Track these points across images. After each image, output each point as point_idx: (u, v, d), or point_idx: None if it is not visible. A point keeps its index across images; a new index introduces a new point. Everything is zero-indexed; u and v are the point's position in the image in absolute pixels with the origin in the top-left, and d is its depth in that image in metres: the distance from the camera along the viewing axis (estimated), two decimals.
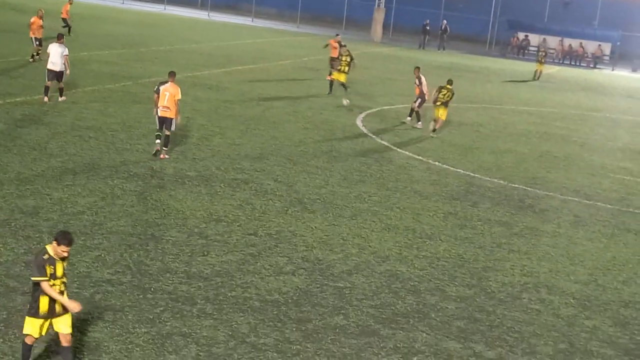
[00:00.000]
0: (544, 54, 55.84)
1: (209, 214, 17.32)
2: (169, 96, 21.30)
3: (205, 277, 13.94)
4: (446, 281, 15.19)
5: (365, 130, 28.49)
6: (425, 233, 17.88)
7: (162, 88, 21.51)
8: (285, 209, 18.39)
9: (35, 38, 35.32)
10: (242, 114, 28.81)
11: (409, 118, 31.12)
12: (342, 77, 34.39)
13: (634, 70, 68.63)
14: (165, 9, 76.81)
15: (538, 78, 53.15)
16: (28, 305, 10.13)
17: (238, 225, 16.85)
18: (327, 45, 41.47)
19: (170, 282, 13.62)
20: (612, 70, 68.24)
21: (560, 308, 14.53)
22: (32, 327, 10.05)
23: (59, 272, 9.91)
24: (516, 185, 23.16)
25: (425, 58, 60.64)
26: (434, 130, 29.17)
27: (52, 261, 9.87)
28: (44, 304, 9.91)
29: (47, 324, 10.09)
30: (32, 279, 9.89)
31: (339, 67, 34.69)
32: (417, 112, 30.69)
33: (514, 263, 16.60)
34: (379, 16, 73.15)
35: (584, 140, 32.16)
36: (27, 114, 24.66)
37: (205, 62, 40.69)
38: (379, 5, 73.06)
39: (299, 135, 26.49)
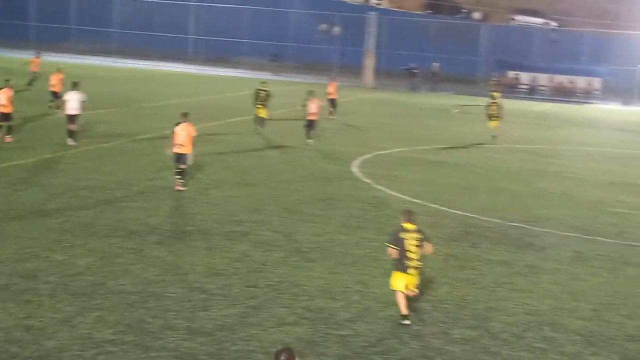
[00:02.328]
0: (496, 82, 62.84)
1: (208, 268, 17.28)
2: (184, 134, 23.99)
3: (207, 332, 13.87)
4: (450, 324, 15.13)
5: (361, 176, 28.54)
6: (426, 276, 17.81)
7: (177, 129, 24.11)
8: (285, 259, 18.36)
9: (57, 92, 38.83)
10: (237, 166, 28.89)
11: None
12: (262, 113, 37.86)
13: (625, 104, 68.99)
14: (156, 65, 77.26)
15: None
16: None
17: (238, 278, 16.80)
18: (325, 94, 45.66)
19: (173, 339, 13.54)
20: (603, 104, 68.58)
21: (565, 345, 14.47)
22: None
23: None
24: (514, 224, 23.16)
25: (416, 101, 61.01)
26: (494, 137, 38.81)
27: None
28: None
29: None
30: None
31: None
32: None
33: (517, 302, 16.55)
34: (369, 62, 73.64)
35: (579, 175, 32.22)
36: (24, 177, 24.69)
37: (198, 116, 40.62)
38: (368, 51, 73.57)
39: (295, 184, 26.54)
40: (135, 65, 75.18)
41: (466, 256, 19.63)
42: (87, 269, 16.71)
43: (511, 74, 73.39)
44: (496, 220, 23.43)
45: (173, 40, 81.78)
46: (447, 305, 16.10)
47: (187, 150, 24.09)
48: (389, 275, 17.46)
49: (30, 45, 78.31)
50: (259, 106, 37.88)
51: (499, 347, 14.16)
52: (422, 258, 14.84)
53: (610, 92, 69.86)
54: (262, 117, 37.78)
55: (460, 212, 24.13)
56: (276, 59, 78.55)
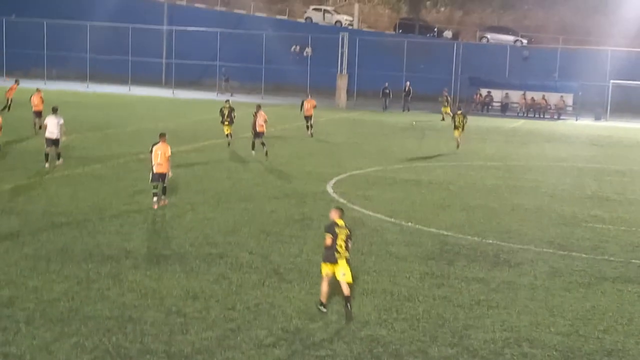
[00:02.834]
0: (446, 97, 65.22)
1: (185, 292, 17.24)
2: (161, 153, 24.81)
3: (185, 356, 13.83)
4: (428, 342, 15.16)
5: (336, 196, 28.59)
6: (403, 295, 17.88)
7: (154, 148, 24.92)
8: (262, 280, 18.35)
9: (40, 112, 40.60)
10: (212, 188, 28.87)
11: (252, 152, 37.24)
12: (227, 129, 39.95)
13: (597, 119, 69.53)
14: (129, 89, 77.16)
15: (443, 119, 62.50)
16: None
17: (216, 301, 16.77)
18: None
19: None
20: (576, 120, 69.11)
21: None
22: None
23: None
24: (490, 241, 23.26)
25: (389, 120, 61.26)
26: (457, 147, 42.91)
27: None
28: None
29: None
30: None
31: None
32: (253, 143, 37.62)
33: (494, 319, 16.61)
34: (342, 82, 73.90)
35: (553, 190, 32.41)
36: None
37: (172, 140, 40.58)
38: (341, 72, 73.83)
39: (270, 205, 26.54)
40: (108, 91, 75.00)
41: (443, 274, 19.68)
42: (63, 294, 16.63)
43: (484, 91, 73.79)
44: (472, 238, 23.52)
45: (146, 65, 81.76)
46: (424, 324, 16.12)
47: (165, 169, 24.94)
48: (365, 295, 17.60)
49: (2, 72, 78.04)
50: (224, 123, 39.95)
51: None
52: (350, 252, 16.19)
53: (583, 107, 70.40)
54: (228, 134, 39.76)
55: (435, 230, 24.21)
56: (228, 80, 79.49)
